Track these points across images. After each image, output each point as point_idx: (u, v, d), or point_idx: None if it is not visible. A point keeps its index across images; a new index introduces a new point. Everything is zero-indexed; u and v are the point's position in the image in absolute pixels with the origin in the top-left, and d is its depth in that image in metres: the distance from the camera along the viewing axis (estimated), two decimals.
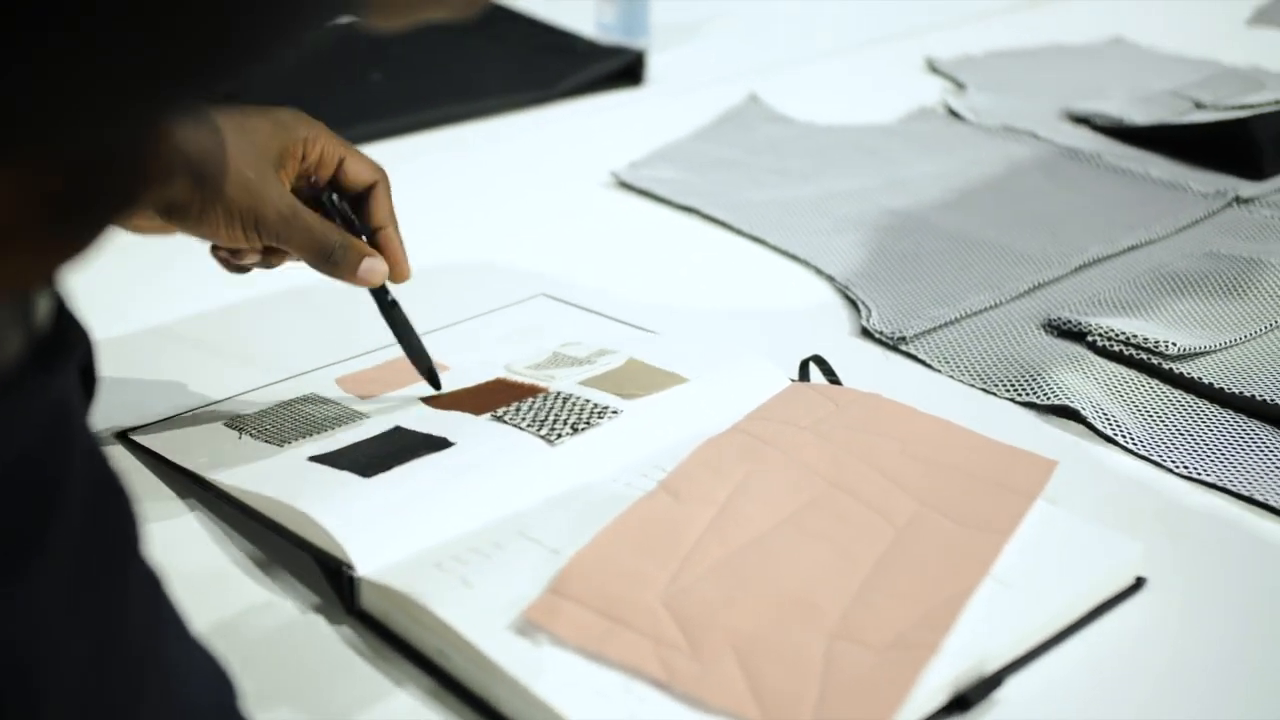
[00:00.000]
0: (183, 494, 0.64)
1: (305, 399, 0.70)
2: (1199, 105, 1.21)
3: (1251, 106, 1.17)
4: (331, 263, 0.63)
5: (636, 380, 0.70)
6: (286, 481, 0.60)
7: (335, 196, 0.66)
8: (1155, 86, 1.26)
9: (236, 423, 0.68)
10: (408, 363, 0.71)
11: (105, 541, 0.36)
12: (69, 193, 0.27)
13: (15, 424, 0.31)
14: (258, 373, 0.73)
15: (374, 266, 0.64)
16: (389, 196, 0.67)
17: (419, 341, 0.69)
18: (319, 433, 0.66)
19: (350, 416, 0.68)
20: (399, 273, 0.67)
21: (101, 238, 0.29)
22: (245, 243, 0.62)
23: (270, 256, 0.66)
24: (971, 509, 0.59)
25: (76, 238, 0.28)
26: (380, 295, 0.67)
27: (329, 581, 0.56)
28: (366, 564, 0.55)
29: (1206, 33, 1.47)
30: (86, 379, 0.41)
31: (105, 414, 0.69)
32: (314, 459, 0.63)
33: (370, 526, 0.57)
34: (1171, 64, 1.35)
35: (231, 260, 0.66)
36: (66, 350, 0.33)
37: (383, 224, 0.66)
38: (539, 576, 0.54)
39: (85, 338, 0.37)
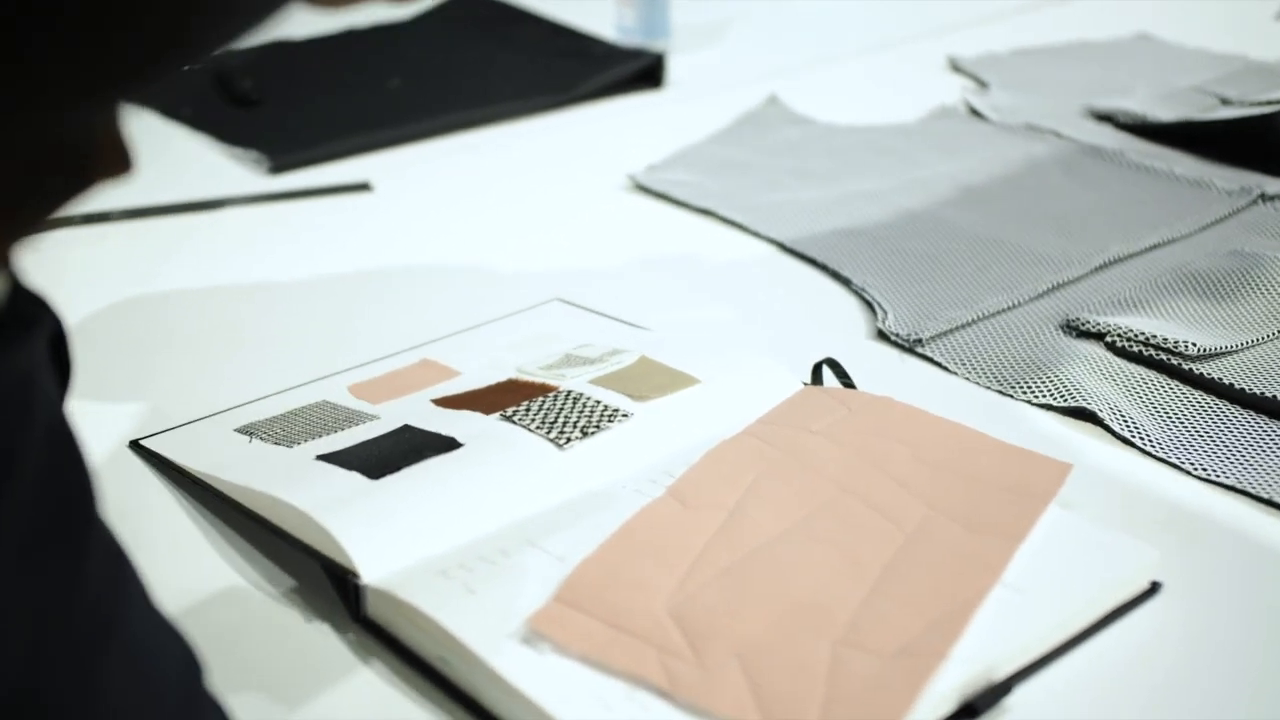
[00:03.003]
0: (191, 501, 0.64)
1: (318, 405, 0.70)
2: (1224, 101, 1.19)
3: (1277, 102, 1.15)
4: None
5: (648, 380, 0.69)
6: (293, 480, 0.60)
7: None
8: (1180, 83, 1.25)
9: (248, 428, 0.68)
10: (422, 368, 0.71)
11: (59, 509, 0.35)
12: (21, 178, 0.28)
13: None
14: (270, 381, 0.74)
15: None
16: None
17: None
18: (329, 434, 0.66)
19: (362, 419, 0.68)
20: None
21: (50, 217, 0.30)
22: None
23: None
24: (982, 514, 0.58)
25: (27, 219, 0.29)
26: None
27: (335, 589, 0.56)
28: (372, 572, 0.55)
29: (1233, 28, 1.46)
30: (62, 358, 0.42)
31: (115, 423, 0.70)
32: (321, 457, 0.63)
33: (377, 534, 0.56)
34: (1197, 60, 1.34)
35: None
36: (24, 326, 0.33)
37: None
38: (545, 584, 0.54)
39: (51, 315, 0.38)
